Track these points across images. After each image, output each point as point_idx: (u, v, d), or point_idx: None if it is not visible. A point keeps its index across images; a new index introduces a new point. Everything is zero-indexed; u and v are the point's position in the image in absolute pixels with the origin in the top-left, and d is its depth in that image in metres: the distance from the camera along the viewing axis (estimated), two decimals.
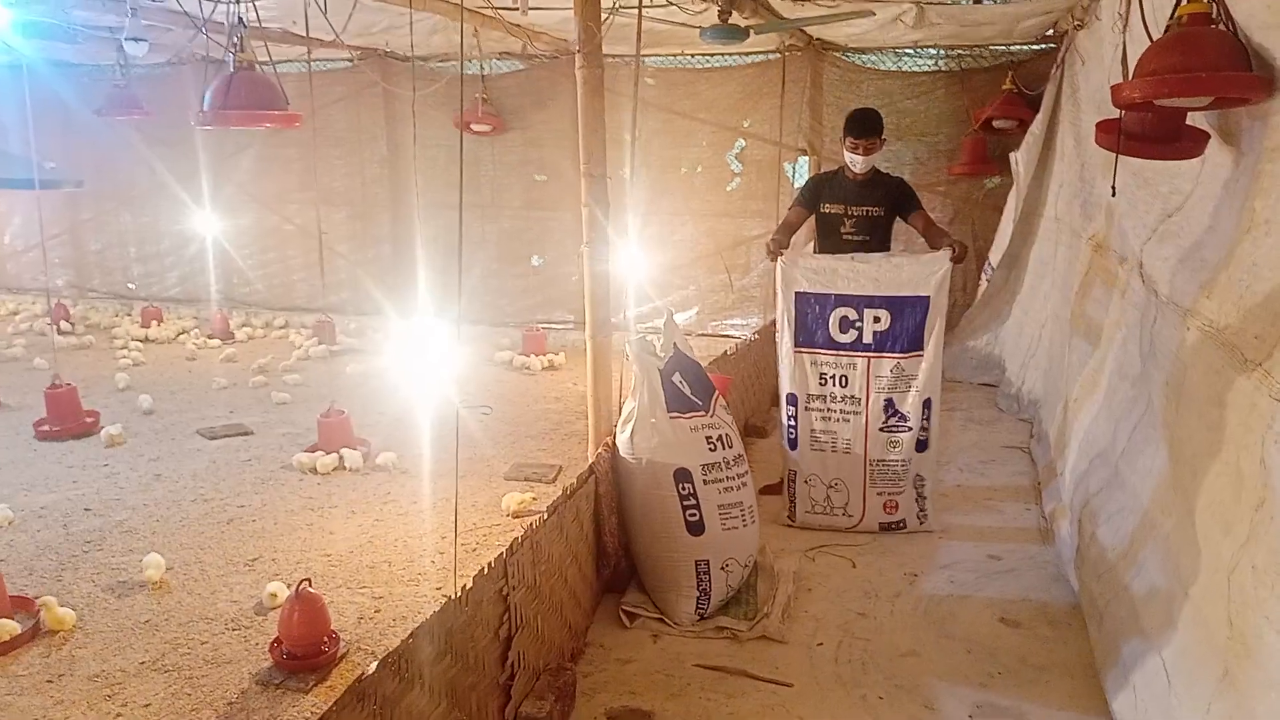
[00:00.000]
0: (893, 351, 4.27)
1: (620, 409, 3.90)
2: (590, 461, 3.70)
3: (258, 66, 4.62)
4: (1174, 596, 2.80)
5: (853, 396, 4.35)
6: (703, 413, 3.71)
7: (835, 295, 4.30)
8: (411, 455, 5.65)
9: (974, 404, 6.42)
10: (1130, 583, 3.17)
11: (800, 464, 4.49)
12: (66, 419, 6.05)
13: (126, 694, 3.29)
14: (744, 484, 3.72)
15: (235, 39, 4.65)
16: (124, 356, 8.18)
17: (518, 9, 5.08)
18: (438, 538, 4.56)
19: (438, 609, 2.51)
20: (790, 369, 4.44)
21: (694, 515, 3.57)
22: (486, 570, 2.71)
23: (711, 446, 3.66)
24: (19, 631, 3.62)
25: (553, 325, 8.80)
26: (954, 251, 4.16)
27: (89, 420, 6.15)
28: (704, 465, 3.62)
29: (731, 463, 3.69)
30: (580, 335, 8.63)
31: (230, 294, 9.86)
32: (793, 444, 4.50)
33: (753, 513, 3.73)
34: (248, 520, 4.79)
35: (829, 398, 4.40)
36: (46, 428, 6.03)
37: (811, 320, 4.36)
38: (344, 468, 5.45)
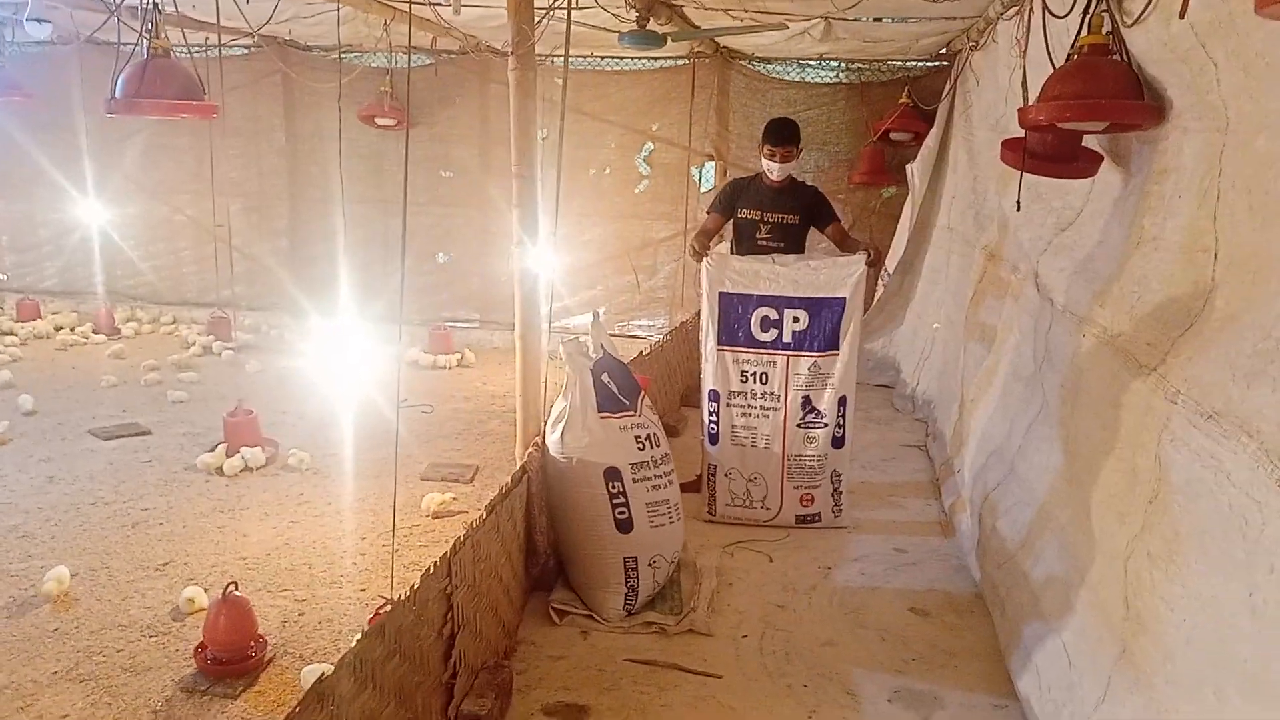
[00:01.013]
0: (810, 350, 4.46)
1: (548, 409, 3.96)
2: (521, 461, 3.75)
3: (172, 53, 4.47)
4: (1071, 583, 3.05)
5: (772, 393, 4.52)
6: (631, 412, 3.81)
7: (757, 295, 4.46)
8: (321, 455, 5.56)
9: (871, 404, 6.72)
10: (1030, 571, 3.42)
11: (720, 458, 4.63)
12: None
13: (41, 705, 3.17)
14: (670, 482, 3.83)
15: (149, 24, 4.48)
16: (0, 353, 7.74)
17: (449, 5, 5.06)
18: (357, 539, 4.52)
19: (388, 609, 2.52)
20: (713, 366, 4.58)
21: (623, 513, 3.66)
22: (432, 570, 2.73)
23: (640, 445, 3.76)
24: None
25: (457, 324, 8.74)
26: (869, 255, 4.37)
27: None
28: (633, 464, 3.71)
29: (659, 461, 3.79)
30: (486, 334, 8.66)
31: (115, 287, 9.41)
32: (713, 439, 4.64)
33: (678, 510, 3.84)
34: (154, 524, 4.63)
35: (749, 394, 4.56)
36: None
37: (734, 319, 4.51)
38: (251, 468, 5.32)
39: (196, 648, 3.40)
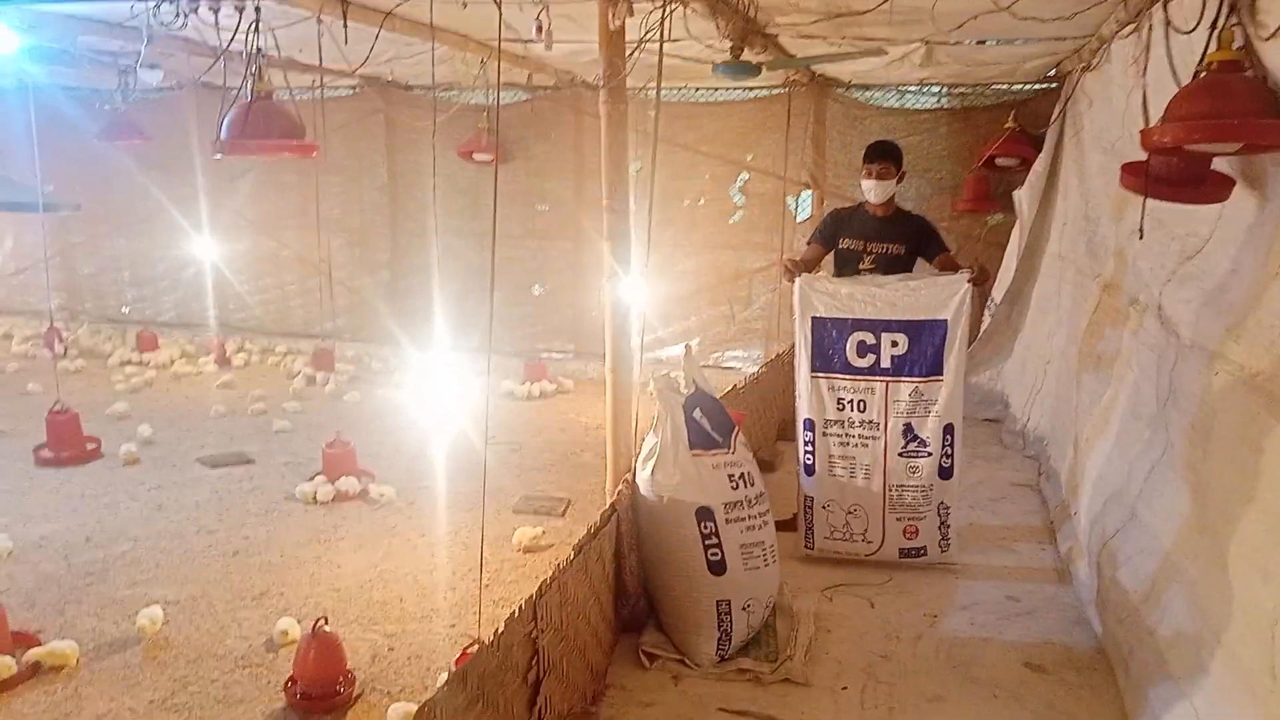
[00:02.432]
0: (911, 376, 4.24)
1: (639, 444, 3.87)
2: (611, 499, 3.67)
3: (275, 95, 4.60)
4: (1204, 642, 2.79)
5: (871, 421, 4.32)
6: (724, 450, 3.69)
7: (852, 320, 4.28)
8: (416, 486, 5.59)
9: (978, 440, 6.43)
10: (1155, 627, 3.16)
11: (818, 490, 4.45)
12: (67, 445, 5.97)
13: None
14: (765, 522, 3.69)
15: (253, 67, 4.62)
16: (120, 382, 8.08)
17: (540, 41, 5.10)
18: (448, 572, 4.51)
19: (474, 650, 2.46)
20: (808, 394, 4.41)
21: (716, 555, 3.54)
22: (517, 614, 2.66)
23: (734, 485, 3.63)
24: (15, 670, 3.53)
25: (552, 354, 8.77)
26: (973, 273, 4.16)
27: (90, 447, 6.07)
28: (726, 504, 3.58)
29: (753, 501, 3.66)
30: (579, 365, 8.66)
31: (226, 319, 9.77)
32: (810, 470, 4.47)
33: (774, 552, 3.69)
34: (253, 553, 4.72)
35: (847, 423, 4.37)
36: (46, 454, 5.94)
37: (828, 345, 4.33)
38: (348, 499, 5.38)
39: (286, 682, 3.41)
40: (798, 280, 4.37)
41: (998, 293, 7.22)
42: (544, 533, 4.83)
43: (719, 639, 3.55)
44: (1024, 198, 6.87)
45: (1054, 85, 7.10)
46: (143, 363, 8.84)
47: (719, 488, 3.59)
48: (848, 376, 4.35)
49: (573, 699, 3.08)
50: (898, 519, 4.38)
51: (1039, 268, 6.82)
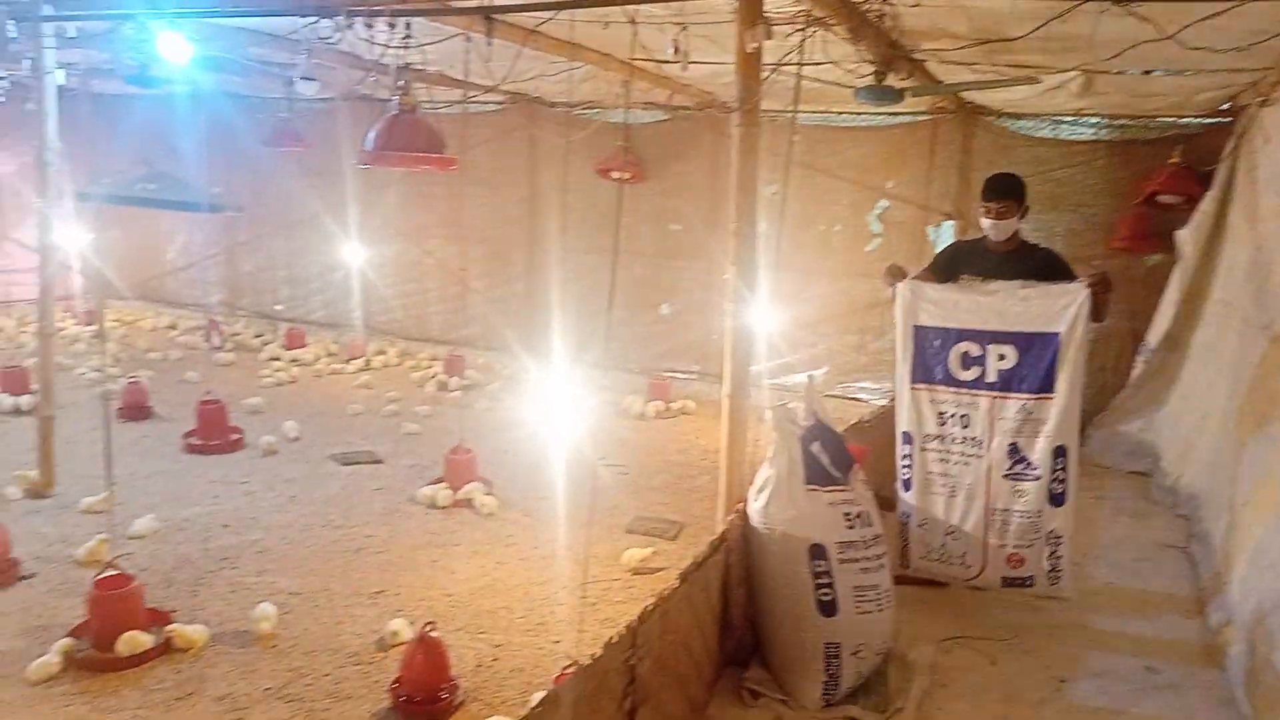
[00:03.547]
0: (1020, 392, 3.94)
1: (754, 473, 3.79)
2: (722, 529, 3.59)
3: (419, 109, 4.76)
4: None
5: (974, 438, 4.04)
6: (842, 487, 3.56)
7: (957, 329, 4.03)
8: (535, 499, 5.65)
9: (1124, 493, 6.02)
10: None
11: (914, 507, 4.22)
12: (214, 434, 6.33)
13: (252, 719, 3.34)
14: (881, 565, 3.54)
15: (400, 82, 4.80)
16: (268, 376, 8.53)
17: (678, 62, 5.11)
18: (558, 586, 4.52)
19: (572, 670, 2.43)
20: (907, 405, 4.19)
21: (827, 595, 3.41)
22: (615, 640, 2.62)
23: (849, 523, 3.50)
24: (150, 646, 3.73)
25: (677, 374, 8.74)
26: (1093, 278, 3.85)
27: (234, 437, 6.42)
28: (840, 543, 3.46)
29: (869, 542, 3.51)
30: (704, 386, 8.58)
31: (370, 321, 10.16)
32: (907, 485, 4.23)
33: (889, 597, 3.54)
34: (374, 551, 4.86)
35: (948, 438, 4.11)
36: (195, 441, 6.31)
37: (930, 355, 4.09)
38: (466, 506, 5.49)
39: (393, 682, 3.48)
40: (901, 285, 4.18)
41: (1153, 338, 6.77)
42: (654, 555, 4.79)
43: (825, 683, 3.41)
44: (1188, 238, 6.42)
45: (1227, 120, 6.61)
46: (290, 359, 9.28)
47: (834, 525, 3.47)
48: (951, 389, 4.08)
49: None
50: (1000, 545, 4.04)
51: (1201, 313, 6.35)
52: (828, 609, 3.41)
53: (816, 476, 3.54)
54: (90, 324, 9.82)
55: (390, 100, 4.82)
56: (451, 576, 4.61)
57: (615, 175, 8.63)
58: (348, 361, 9.28)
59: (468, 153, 8.82)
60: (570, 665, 3.23)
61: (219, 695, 3.51)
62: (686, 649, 3.16)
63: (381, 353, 9.70)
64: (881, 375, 8.12)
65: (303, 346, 9.72)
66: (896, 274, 4.24)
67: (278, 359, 9.24)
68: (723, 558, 3.51)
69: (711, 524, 5.06)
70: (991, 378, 4.01)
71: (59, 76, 5.32)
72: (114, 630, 3.69)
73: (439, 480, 5.72)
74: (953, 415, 4.11)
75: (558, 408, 7.05)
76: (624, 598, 4.42)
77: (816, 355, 8.33)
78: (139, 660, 3.67)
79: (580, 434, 6.33)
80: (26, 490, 5.37)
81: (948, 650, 3.93)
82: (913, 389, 4.20)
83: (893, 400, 6.05)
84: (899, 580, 3.82)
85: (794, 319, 8.07)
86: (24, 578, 4.39)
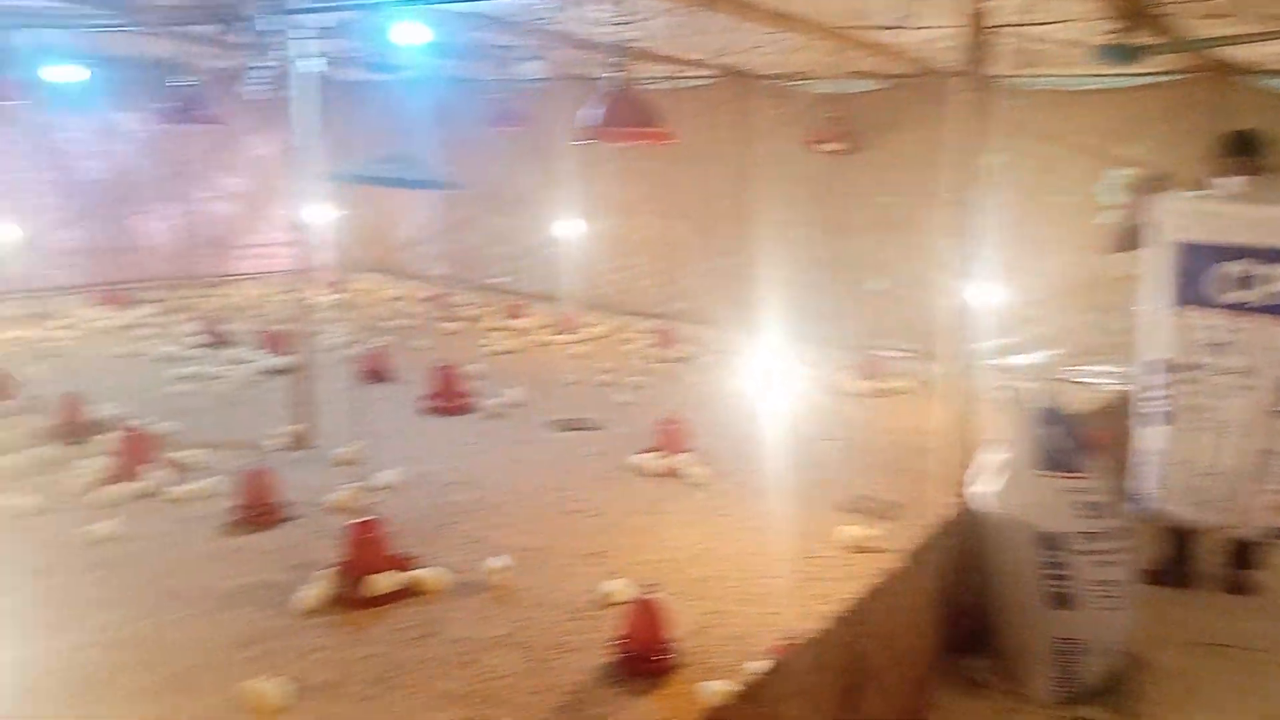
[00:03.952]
0: None
1: (977, 456, 3.65)
2: (945, 512, 3.49)
3: (635, 85, 4.85)
4: None
5: (1242, 369, 3.66)
6: (1077, 474, 3.37)
7: (1232, 245, 3.66)
8: (745, 471, 5.68)
9: None
10: None
11: (1164, 443, 3.87)
12: (448, 397, 6.79)
13: (485, 663, 3.59)
14: (1120, 560, 3.33)
15: (618, 59, 4.90)
16: (489, 345, 9.03)
17: (898, 27, 4.94)
18: (771, 560, 4.54)
19: (791, 645, 2.46)
20: (1168, 330, 3.84)
21: (1058, 587, 3.26)
22: (842, 615, 2.62)
23: (1085, 513, 3.31)
24: (395, 587, 4.07)
25: (892, 352, 8.50)
26: None
27: (465, 401, 6.86)
28: (1073, 533, 3.28)
29: (1108, 534, 3.31)
30: (919, 365, 8.29)
31: (584, 294, 10.51)
32: (1154, 420, 3.89)
33: (1130, 594, 3.33)
34: (591, 514, 5.07)
35: (1209, 368, 3.73)
36: (430, 403, 6.80)
37: (1196, 274, 3.73)
38: (678, 475, 5.60)
39: (613, 640, 3.62)
40: (1165, 197, 3.84)
41: None
42: (873, 535, 4.71)
43: (1057, 678, 3.27)
44: None
45: None
46: (510, 330, 9.77)
47: (1067, 514, 3.29)
48: (1216, 313, 3.71)
49: (890, 712, 2.98)
50: (1269, 490, 3.66)
51: None
52: (1059, 601, 3.26)
53: (1048, 462, 3.37)
54: (335, 293, 10.71)
55: (606, 78, 4.93)
56: (665, 543, 4.73)
57: (827, 147, 8.48)
58: (562, 332, 9.65)
59: (678, 128, 8.93)
60: (790, 637, 3.25)
61: (455, 638, 3.79)
62: (912, 630, 3.10)
63: (594, 325, 10.01)
64: (1122, 359, 7.57)
65: (521, 317, 10.20)
66: (1156, 185, 3.90)
67: (498, 329, 9.75)
68: (947, 541, 3.41)
69: (928, 506, 4.93)
70: (1269, 300, 3.60)
71: (317, 65, 5.79)
72: (365, 571, 4.06)
73: (651, 449, 5.86)
74: (1217, 343, 3.72)
75: (768, 382, 7.06)
76: (840, 575, 4.38)
77: (1047, 335, 7.87)
78: (386, 600, 4.02)
79: (791, 409, 6.31)
80: (289, 442, 5.96)
81: (1197, 657, 3.64)
82: (1178, 311, 3.81)
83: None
84: (1149, 578, 3.57)
85: (1023, 296, 7.65)
86: (287, 520, 4.89)
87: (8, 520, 4.76)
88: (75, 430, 5.93)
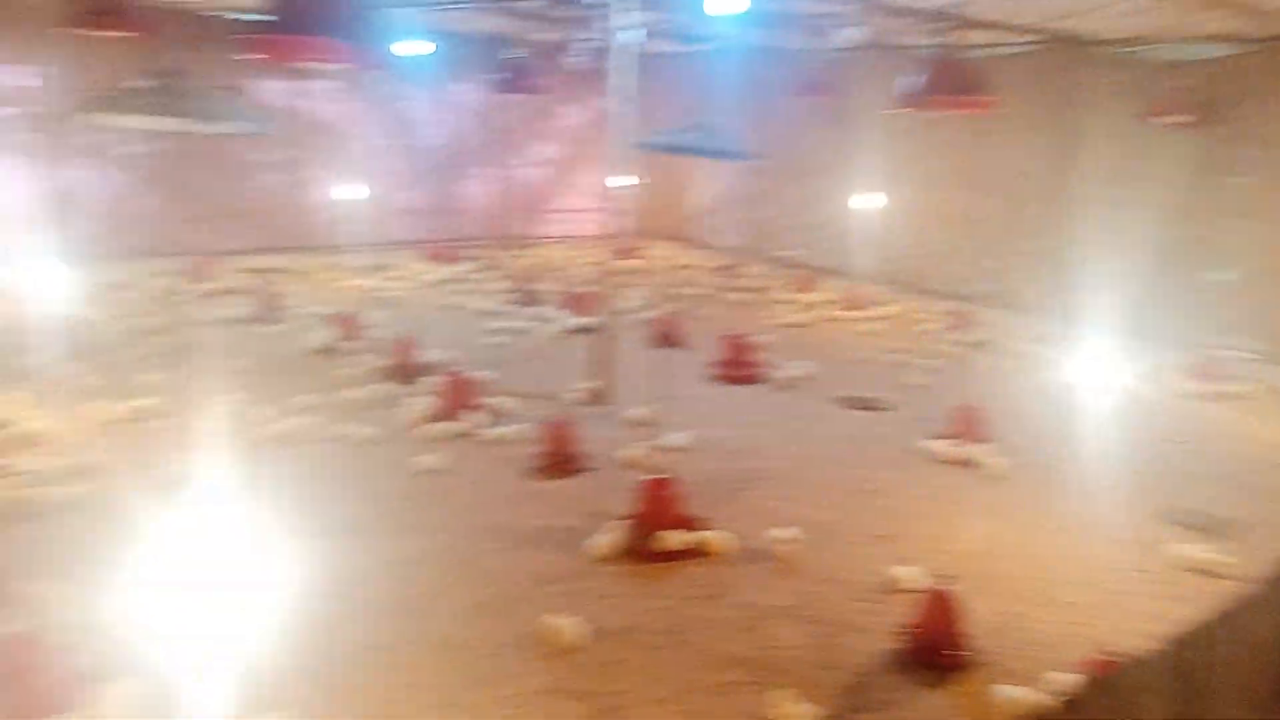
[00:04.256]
0: None
1: None
2: None
3: (956, 53, 4.58)
4: None
5: None
6: None
7: None
8: (1050, 465, 5.28)
9: None
10: None
11: None
12: (737, 366, 6.86)
13: (769, 631, 3.60)
14: None
15: (940, 26, 4.65)
16: (776, 317, 9.00)
17: None
18: (1078, 565, 4.19)
19: (1109, 666, 2.23)
20: None
21: None
22: (1178, 639, 2.34)
23: None
24: (685, 545, 4.16)
25: (1233, 352, 7.51)
26: None
27: (753, 371, 6.90)
28: None
29: None
30: (1266, 369, 7.26)
31: (877, 270, 10.18)
32: None
33: None
34: (880, 495, 4.93)
35: None
36: (719, 371, 6.90)
37: None
38: (973, 464, 5.29)
39: (903, 627, 3.49)
40: None
41: None
42: (1214, 555, 4.20)
43: None
44: None
45: None
46: (799, 302, 9.67)
47: None
48: None
49: None
50: None
51: None
52: None
53: None
54: (632, 259, 11.13)
55: (926, 45, 4.71)
56: (959, 534, 4.49)
57: (1169, 120, 7.58)
58: (852, 309, 9.42)
59: (996, 98, 8.37)
60: (1108, 654, 2.97)
61: (740, 602, 3.82)
62: (1256, 669, 2.72)
63: (887, 303, 9.68)
64: None
65: (810, 291, 10.06)
66: None
67: (787, 301, 9.69)
68: None
69: (1275, 529, 4.35)
70: None
71: (636, 37, 5.97)
72: (657, 526, 4.20)
73: (947, 435, 5.58)
74: None
75: (1080, 375, 6.51)
76: (1167, 594, 3.94)
77: None
78: (675, 556, 4.13)
79: (1107, 407, 5.79)
80: (587, 398, 6.29)
81: None
82: None
83: None
84: None
85: None
86: (585, 470, 5.16)
87: (351, 446, 5.39)
88: (406, 371, 6.60)
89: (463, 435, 5.59)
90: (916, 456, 5.48)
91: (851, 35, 7.75)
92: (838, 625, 3.66)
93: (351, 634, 3.49)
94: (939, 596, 3.37)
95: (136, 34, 6.34)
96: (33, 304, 7.59)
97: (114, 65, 7.77)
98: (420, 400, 5.98)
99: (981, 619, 3.66)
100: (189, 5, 8.73)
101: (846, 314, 9.28)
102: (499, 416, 5.89)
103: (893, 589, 3.91)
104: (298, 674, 3.21)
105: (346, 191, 10.52)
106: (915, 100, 4.82)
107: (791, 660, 3.41)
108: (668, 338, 7.92)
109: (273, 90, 10.30)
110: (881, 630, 3.60)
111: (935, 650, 3.33)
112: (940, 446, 5.45)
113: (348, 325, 7.38)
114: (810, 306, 9.58)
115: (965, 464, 5.31)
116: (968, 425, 5.54)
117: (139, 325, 7.60)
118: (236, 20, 9.09)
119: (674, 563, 4.12)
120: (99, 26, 6.21)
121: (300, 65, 3.84)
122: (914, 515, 4.69)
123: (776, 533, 4.28)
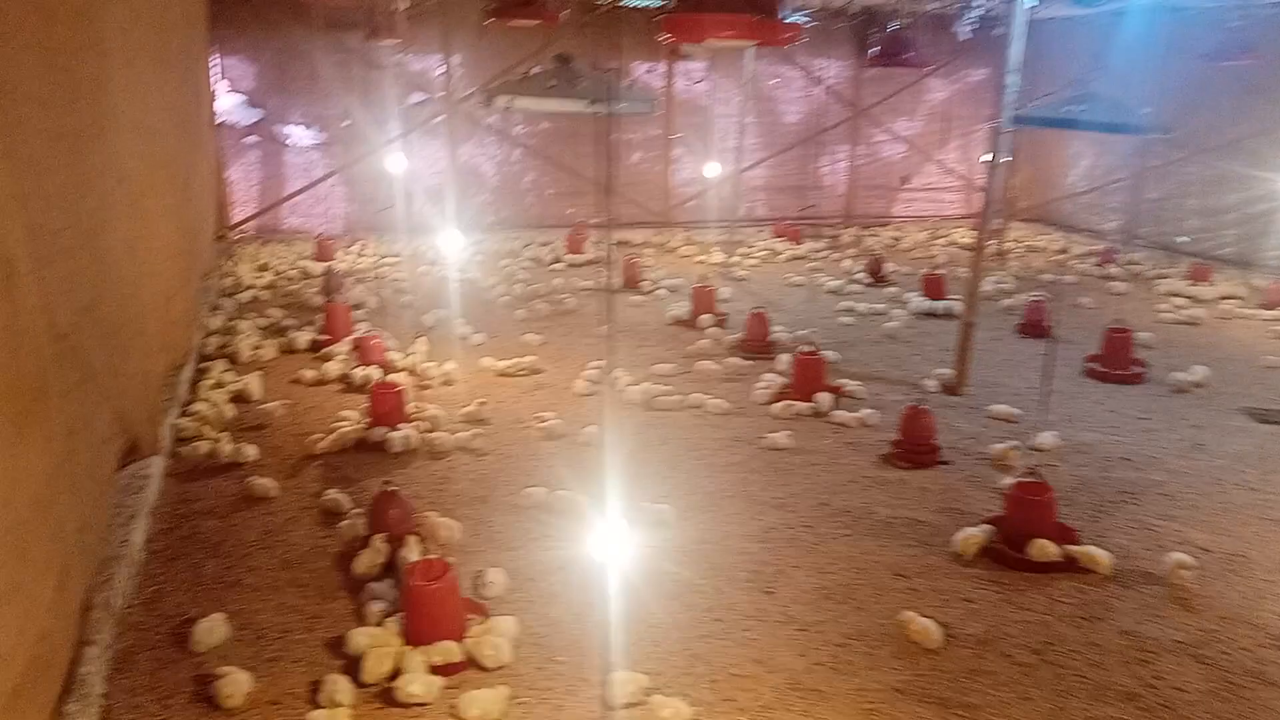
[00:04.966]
0: None
1: None
2: None
3: None
4: None
5: None
6: None
7: None
8: None
9: None
10: None
11: None
12: (1117, 363, 6.19)
13: (1160, 668, 3.20)
14: None
15: None
16: (1165, 312, 7.99)
17: None
18: None
19: None
20: None
21: None
22: None
23: None
24: (1058, 557, 3.81)
25: None
26: None
27: (1137, 370, 6.19)
28: None
29: None
30: None
31: None
32: None
33: None
34: None
35: None
36: (1096, 367, 6.26)
37: None
38: None
39: None
40: None
41: None
42: None
43: None
44: None
45: None
46: (1192, 296, 8.53)
47: None
48: None
49: None
50: None
51: None
52: None
53: None
54: (995, 241, 10.42)
55: None
56: None
57: None
58: (1260, 306, 8.13)
59: None
60: None
61: (1124, 630, 3.44)
62: None
63: None
64: None
65: (1206, 283, 8.83)
66: None
67: (1178, 294, 8.57)
68: None
69: None
70: None
71: (1033, 1, 5.50)
72: (1026, 533, 3.88)
73: None
74: None
75: None
76: None
77: None
78: (1046, 568, 3.80)
79: None
80: (943, 386, 5.98)
81: None
82: None
83: None
84: None
85: None
86: (942, 463, 4.91)
87: (707, 416, 5.55)
88: (758, 346, 6.67)
89: (814, 415, 5.54)
90: None
91: None
92: (1248, 674, 3.17)
93: (699, 601, 3.58)
94: None
95: (541, 22, 6.89)
96: (436, 268, 8.64)
97: (514, 52, 8.62)
98: (772, 376, 6.02)
99: None
100: None
101: (1252, 312, 8.03)
102: (850, 398, 5.78)
103: None
104: (647, 635, 3.34)
105: (708, 169, 10.84)
106: None
107: (1190, 706, 3.01)
108: (1033, 326, 7.33)
109: (648, 73, 10.86)
110: None
111: None
112: None
113: (704, 299, 7.60)
114: (1205, 301, 8.41)
115: None
116: None
117: (520, 291, 8.36)
118: (634, 8, 9.68)
119: (1045, 574, 3.80)
120: (517, 16, 6.83)
121: (711, 43, 3.94)
122: None
123: (1176, 558, 3.79)
